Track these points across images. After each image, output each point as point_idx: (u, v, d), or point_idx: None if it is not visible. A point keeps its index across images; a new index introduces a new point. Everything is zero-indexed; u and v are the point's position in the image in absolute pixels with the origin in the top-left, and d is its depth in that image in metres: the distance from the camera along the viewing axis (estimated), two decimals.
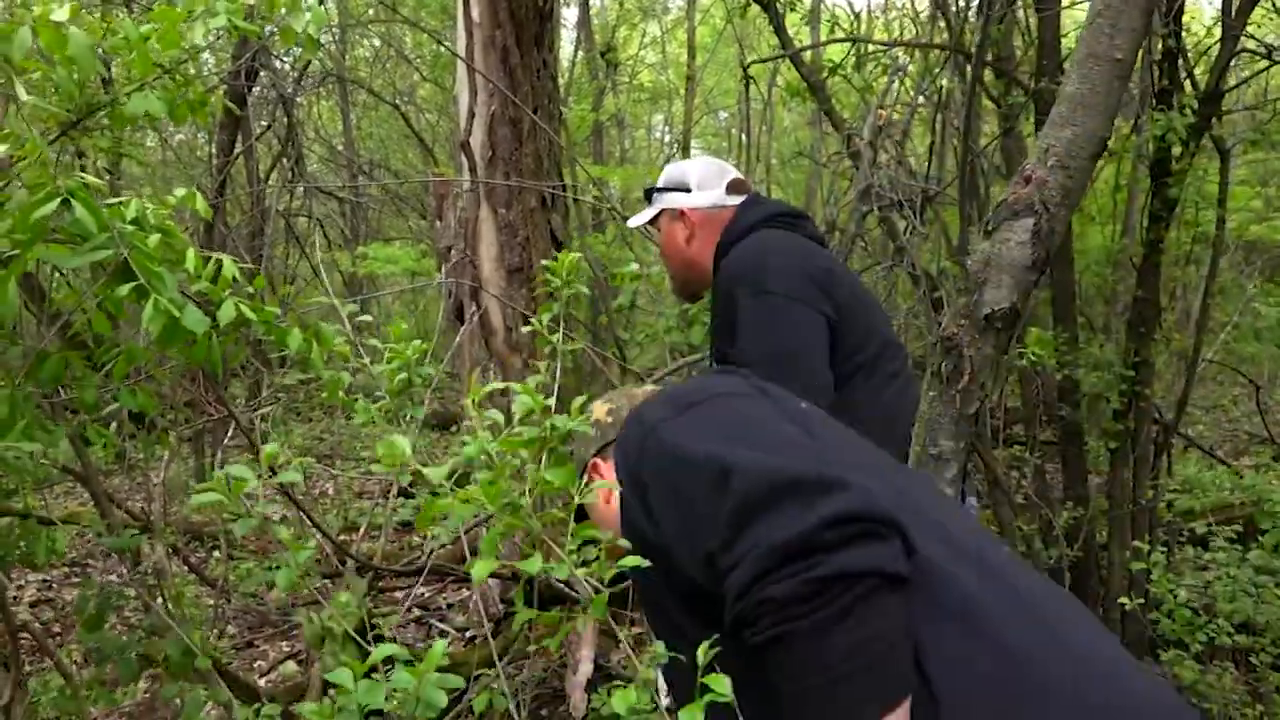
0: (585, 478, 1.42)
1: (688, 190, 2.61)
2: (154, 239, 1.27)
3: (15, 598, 5.77)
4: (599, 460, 1.50)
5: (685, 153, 10.02)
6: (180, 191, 1.45)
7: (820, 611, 0.99)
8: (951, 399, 1.47)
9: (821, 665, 0.99)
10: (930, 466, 1.54)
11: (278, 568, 4.54)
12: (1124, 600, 2.76)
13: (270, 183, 8.18)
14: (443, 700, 1.08)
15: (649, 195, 2.71)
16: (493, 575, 4.05)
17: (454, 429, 8.57)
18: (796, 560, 1.00)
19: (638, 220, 2.71)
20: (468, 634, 4.73)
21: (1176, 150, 3.28)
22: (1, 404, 1.10)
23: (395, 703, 1.09)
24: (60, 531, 1.35)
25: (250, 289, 1.59)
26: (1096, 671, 1.10)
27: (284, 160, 7.83)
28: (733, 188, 2.59)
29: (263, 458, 1.14)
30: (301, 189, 7.34)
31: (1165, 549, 3.87)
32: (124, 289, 1.20)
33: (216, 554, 6.11)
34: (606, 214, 8.21)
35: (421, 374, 1.70)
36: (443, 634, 4.76)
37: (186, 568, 4.93)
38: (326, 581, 3.51)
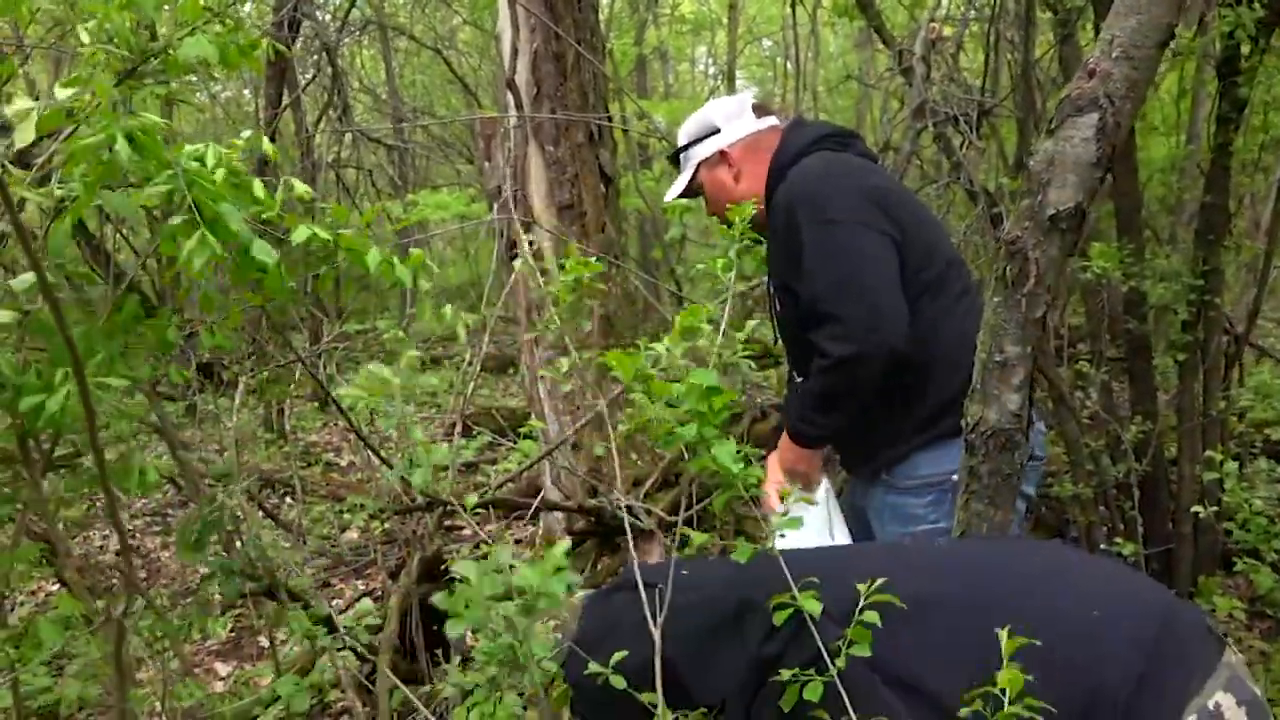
0: None
1: (717, 131, 2.49)
2: (220, 174, 1.29)
3: (100, 547, 6.01)
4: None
5: (730, 84, 9.86)
6: (247, 133, 1.47)
7: None
8: (1017, 303, 1.45)
9: None
10: (996, 374, 1.52)
11: (349, 511, 4.65)
12: (1197, 509, 2.73)
13: (318, 133, 8.24)
14: (562, 591, 1.13)
15: (677, 159, 2.58)
16: (554, 508, 4.12)
17: (512, 371, 8.66)
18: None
19: (677, 189, 2.56)
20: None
21: (1245, 48, 3.15)
22: (83, 339, 1.14)
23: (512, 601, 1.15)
24: (151, 465, 1.40)
25: (329, 218, 1.62)
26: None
27: (330, 110, 7.87)
28: (759, 111, 2.50)
29: (405, 360, 1.16)
30: (349, 138, 7.38)
31: (1237, 461, 3.81)
32: (175, 220, 1.23)
33: (289, 500, 6.29)
34: (655, 147, 8.14)
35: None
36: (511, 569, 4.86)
37: (262, 512, 5.08)
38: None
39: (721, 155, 2.45)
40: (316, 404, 8.56)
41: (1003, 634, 1.18)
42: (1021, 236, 1.42)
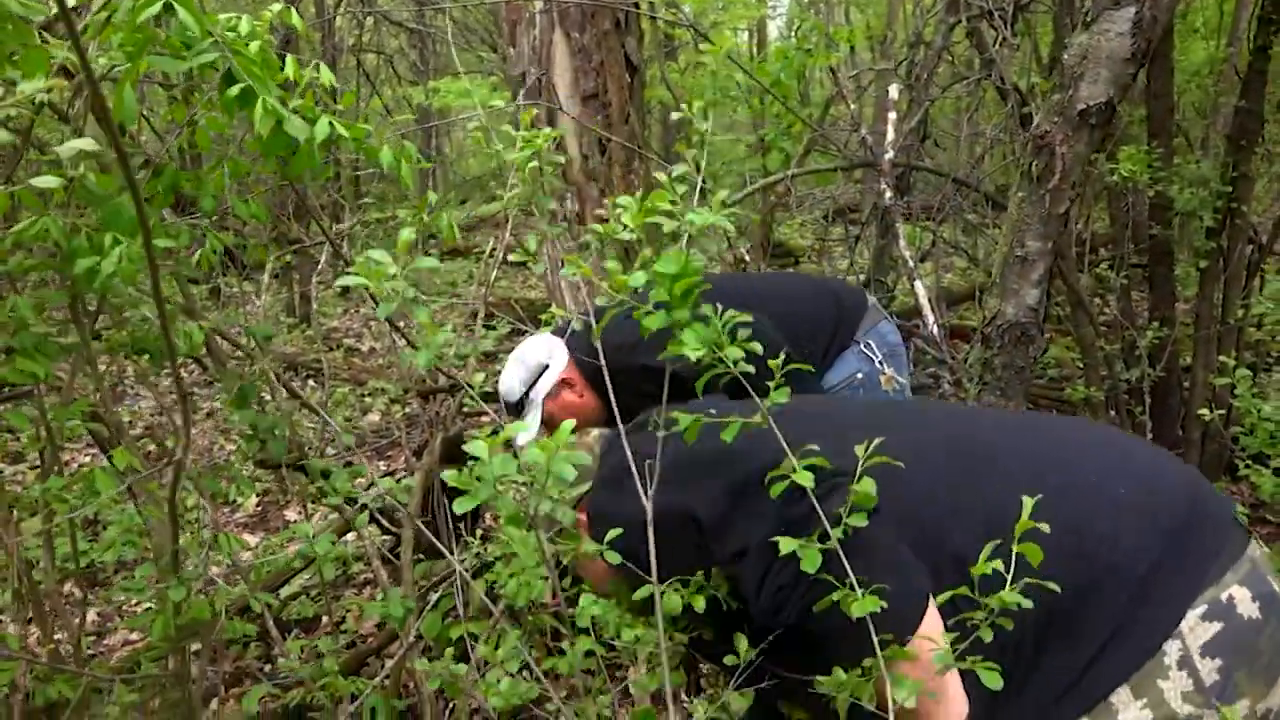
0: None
1: (546, 367, 2.59)
2: (254, 45, 1.31)
3: (130, 422, 6.17)
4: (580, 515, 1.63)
5: None
6: (277, 6, 1.47)
7: None
8: (1041, 199, 1.47)
9: None
10: (1016, 269, 1.55)
11: (370, 395, 4.76)
12: (1203, 411, 2.77)
13: (339, 16, 8.09)
14: (571, 474, 1.17)
15: (519, 410, 2.61)
16: None
17: (526, 265, 8.67)
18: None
19: (531, 431, 2.55)
20: None
21: None
22: (128, 207, 1.17)
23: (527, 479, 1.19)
24: (196, 327, 1.45)
25: (339, 106, 1.63)
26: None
27: None
28: (558, 334, 2.60)
29: (400, 244, 1.19)
30: (371, 22, 7.25)
31: (1251, 371, 3.83)
32: (232, 90, 1.25)
33: (312, 383, 6.41)
34: (681, 36, 7.97)
35: (554, 161, 1.72)
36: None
37: (286, 393, 5.19)
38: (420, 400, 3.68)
39: (562, 382, 2.55)
40: (339, 290, 8.63)
41: (1028, 503, 1.17)
42: (1050, 131, 1.43)
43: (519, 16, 4.89)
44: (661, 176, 1.35)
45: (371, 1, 7.66)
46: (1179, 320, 3.75)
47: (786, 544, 1.19)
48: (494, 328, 6.53)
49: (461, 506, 1.44)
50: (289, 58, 1.38)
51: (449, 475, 1.25)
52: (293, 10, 1.51)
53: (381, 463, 5.24)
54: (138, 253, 1.17)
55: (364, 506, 2.49)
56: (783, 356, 1.23)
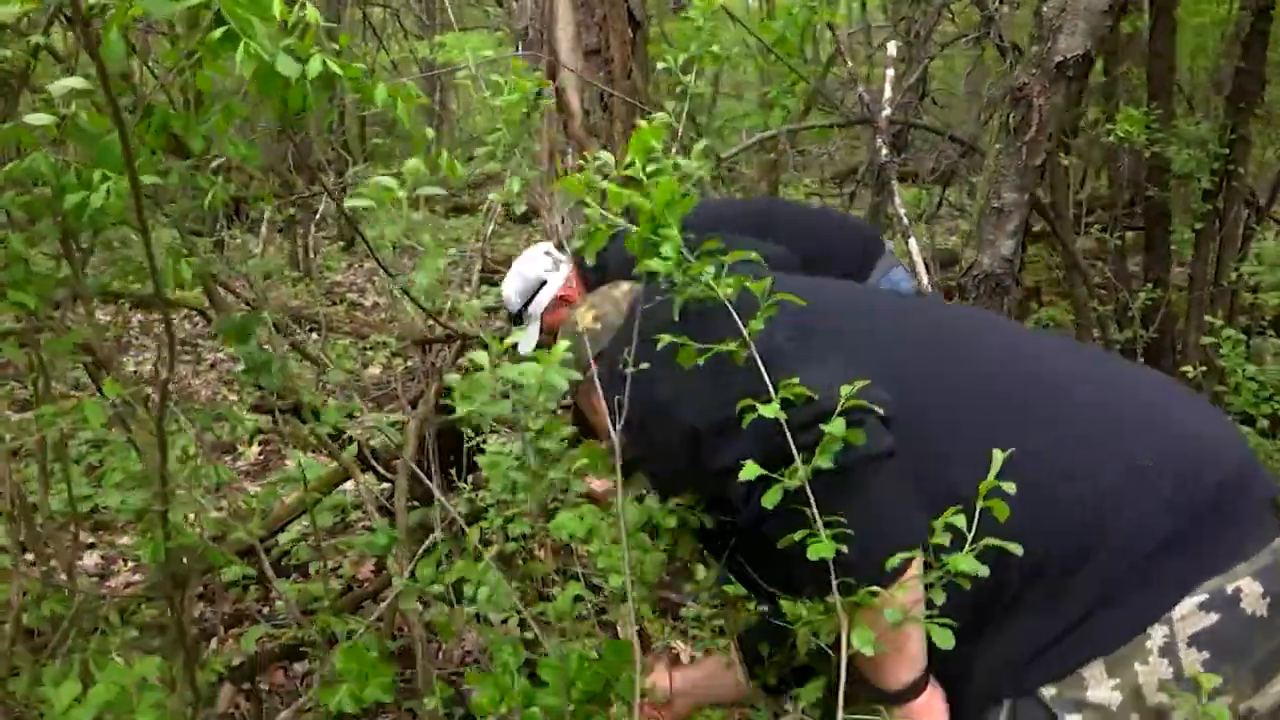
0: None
1: (544, 283, 2.63)
2: None
3: (135, 372, 6.23)
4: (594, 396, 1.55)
5: None
6: None
7: None
8: (1017, 150, 1.49)
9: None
10: (992, 220, 1.57)
11: (372, 348, 4.80)
12: (1187, 369, 2.80)
13: None
14: (564, 384, 1.21)
15: (519, 319, 2.66)
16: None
17: (533, 221, 8.68)
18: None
19: (530, 341, 2.57)
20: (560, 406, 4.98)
21: None
22: (116, 145, 1.20)
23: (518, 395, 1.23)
24: (185, 263, 1.49)
25: (336, 46, 1.65)
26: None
27: None
28: (559, 250, 2.63)
29: (407, 169, 1.22)
30: None
31: (1246, 334, 3.85)
32: (216, 33, 1.28)
33: (315, 335, 6.46)
34: None
35: (543, 102, 1.74)
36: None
37: (288, 345, 5.23)
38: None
39: (560, 299, 2.57)
40: (342, 244, 8.65)
41: (997, 457, 1.11)
42: (1028, 84, 1.45)
43: None
44: (642, 123, 1.37)
45: None
46: (1174, 283, 3.77)
47: (749, 470, 1.15)
48: (495, 283, 6.57)
49: (463, 407, 1.48)
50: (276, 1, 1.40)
51: (451, 379, 1.29)
52: None
53: (381, 415, 5.29)
54: (126, 188, 1.20)
55: (352, 440, 2.54)
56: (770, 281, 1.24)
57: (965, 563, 1.11)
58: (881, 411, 1.20)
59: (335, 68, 1.56)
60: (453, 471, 3.17)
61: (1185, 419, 1.33)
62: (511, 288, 2.69)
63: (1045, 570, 1.23)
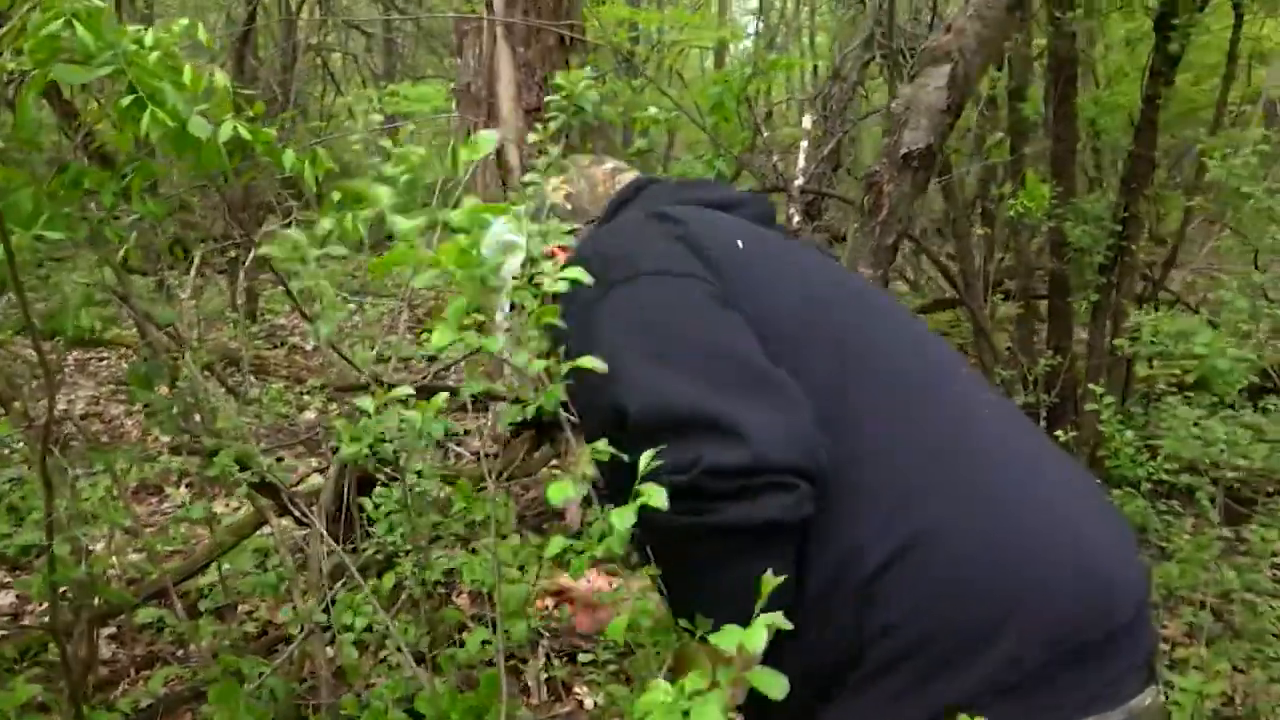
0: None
1: (515, 244, 2.47)
2: (153, 57, 1.43)
3: (65, 411, 6.19)
4: (555, 249, 1.36)
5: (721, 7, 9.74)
6: (184, 21, 1.60)
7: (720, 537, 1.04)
8: (871, 230, 1.63)
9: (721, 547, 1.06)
10: None
11: (308, 392, 4.83)
12: (1059, 433, 2.95)
13: (302, 15, 8.17)
14: (440, 432, 1.29)
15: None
16: (497, 398, 4.31)
17: None
18: (686, 499, 1.01)
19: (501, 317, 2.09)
20: (478, 455, 5.04)
21: (1186, 4, 3.27)
22: (26, 200, 1.29)
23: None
24: (86, 312, 1.57)
25: (250, 113, 1.76)
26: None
27: None
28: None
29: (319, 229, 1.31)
30: (333, 23, 7.34)
31: (1145, 400, 4.05)
32: (125, 100, 1.38)
33: (251, 378, 6.47)
34: (643, 54, 8.12)
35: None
36: (458, 457, 5.09)
37: (223, 388, 5.26)
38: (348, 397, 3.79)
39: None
40: (284, 288, 8.67)
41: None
42: (879, 171, 1.59)
43: (469, 26, 5.03)
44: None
45: (333, 4, 7.76)
46: (1075, 350, 3.96)
47: (599, 450, 1.10)
48: (425, 331, 6.64)
49: (347, 452, 1.55)
50: (187, 67, 1.51)
51: (337, 422, 1.37)
52: (199, 25, 1.64)
53: (314, 460, 5.32)
54: (27, 242, 1.29)
55: (266, 486, 2.59)
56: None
57: (764, 680, 0.97)
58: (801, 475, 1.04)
59: (245, 132, 1.67)
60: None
61: (1098, 535, 1.15)
62: (486, 247, 2.62)
63: (920, 652, 1.07)
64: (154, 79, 1.43)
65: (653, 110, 5.27)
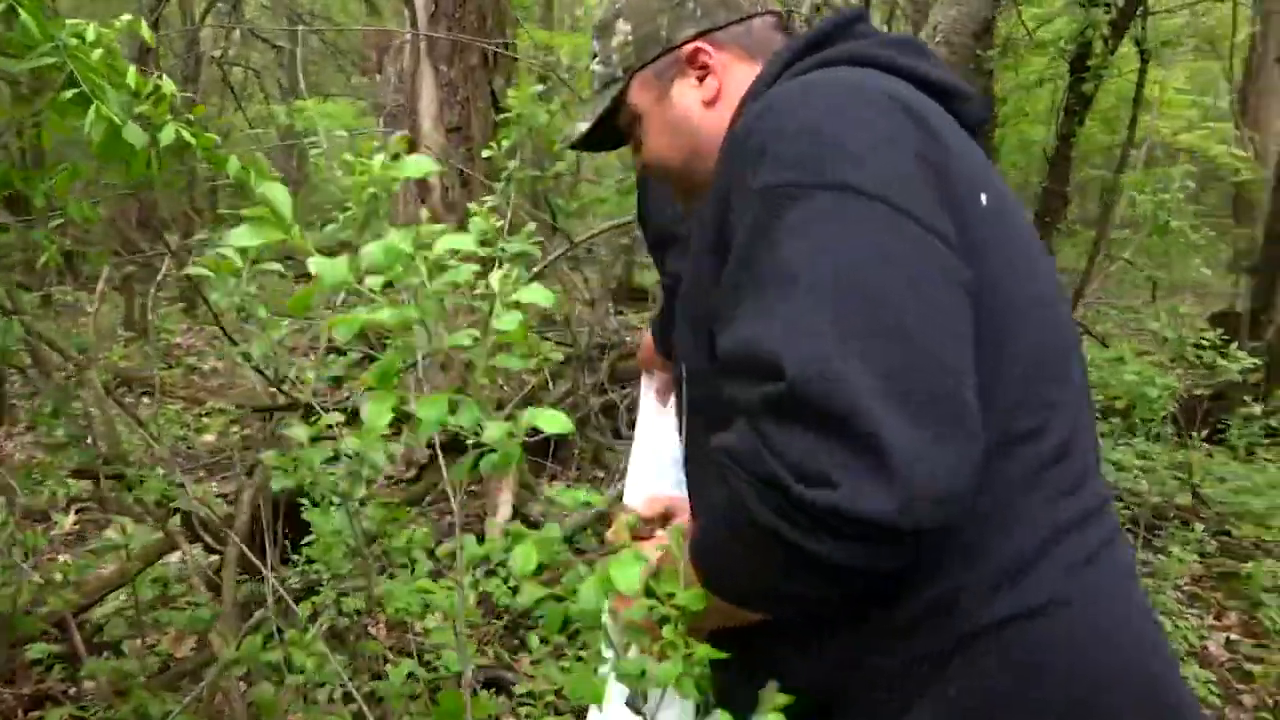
0: None
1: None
2: (97, 53, 1.34)
3: None
4: None
5: None
6: (126, 17, 1.51)
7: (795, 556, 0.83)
8: None
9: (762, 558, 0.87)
10: None
11: (208, 414, 4.64)
12: None
13: (205, 26, 7.91)
14: (383, 460, 1.22)
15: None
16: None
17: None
18: (779, 497, 0.81)
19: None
20: (394, 480, 4.91)
21: (1097, 47, 3.41)
22: None
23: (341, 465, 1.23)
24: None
25: (189, 116, 1.66)
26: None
27: (220, 2, 7.57)
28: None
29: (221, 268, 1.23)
30: (239, 34, 7.13)
31: None
32: (67, 94, 1.28)
33: (146, 399, 6.18)
34: (553, 81, 8.10)
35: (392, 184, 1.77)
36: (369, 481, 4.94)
37: (118, 408, 4.99)
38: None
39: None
40: (183, 306, 8.34)
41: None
42: None
43: (387, 44, 4.95)
44: (474, 208, 1.43)
45: (240, 14, 7.54)
46: None
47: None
48: (343, 353, 6.47)
49: (279, 483, 1.47)
50: (130, 68, 1.42)
51: (267, 455, 1.29)
52: (142, 21, 1.54)
53: (214, 484, 5.09)
54: None
55: (177, 511, 2.46)
56: None
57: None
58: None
59: (188, 136, 1.57)
60: (288, 543, 3.09)
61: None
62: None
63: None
64: (96, 76, 1.34)
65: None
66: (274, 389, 3.60)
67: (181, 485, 4.83)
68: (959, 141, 0.96)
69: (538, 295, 0.91)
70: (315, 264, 0.62)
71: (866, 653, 0.95)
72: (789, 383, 0.81)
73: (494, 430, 0.87)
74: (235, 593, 2.86)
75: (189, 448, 5.44)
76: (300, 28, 7.77)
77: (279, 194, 0.65)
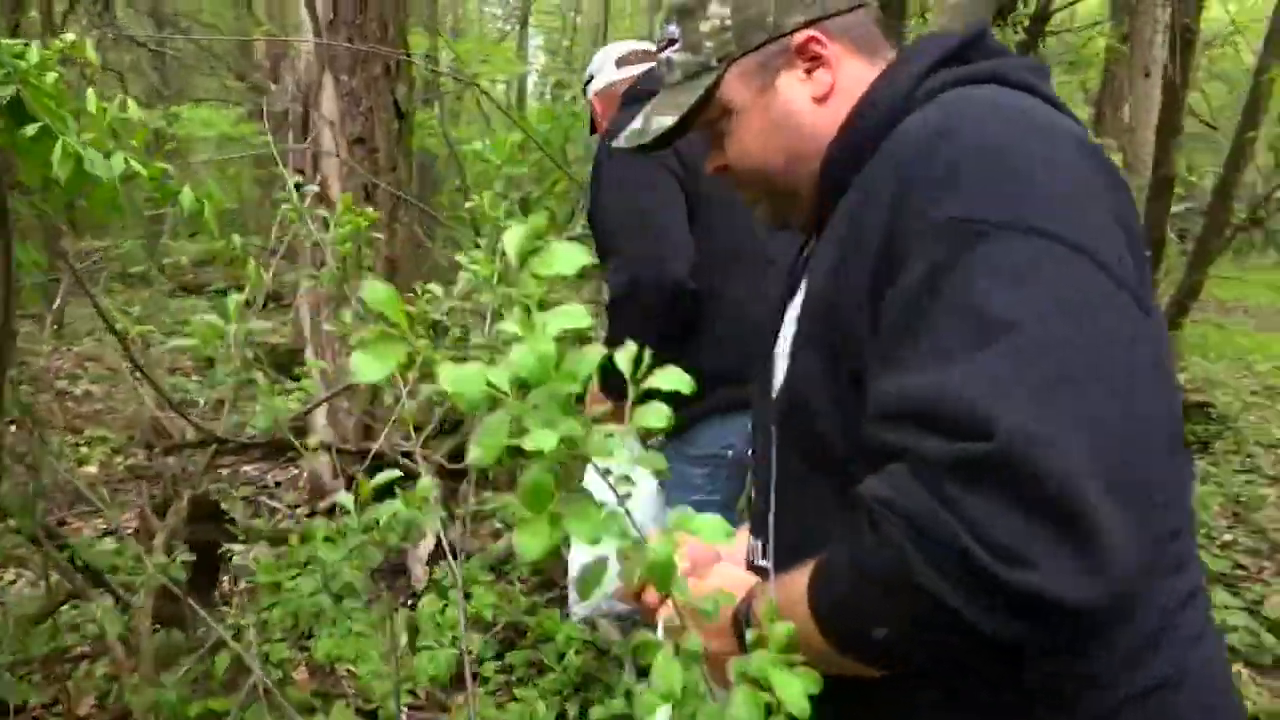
0: None
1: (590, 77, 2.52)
2: (51, 76, 1.20)
3: None
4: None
5: (523, 26, 9.73)
6: (70, 36, 1.35)
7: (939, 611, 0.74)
8: None
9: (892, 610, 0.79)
10: None
11: (88, 444, 4.34)
12: None
13: (68, 27, 7.43)
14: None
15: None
16: (337, 451, 4.02)
17: (273, 305, 8.24)
18: (946, 552, 0.73)
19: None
20: (297, 511, 4.69)
21: None
22: None
23: None
24: None
25: (134, 142, 1.52)
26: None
27: (85, 3, 7.12)
28: None
29: (233, 306, 1.12)
30: (106, 36, 6.72)
31: None
32: (30, 129, 1.14)
33: (13, 428, 5.72)
34: (446, 85, 7.94)
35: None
36: (272, 511, 4.70)
37: None
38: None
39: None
40: (56, 326, 7.79)
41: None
42: None
43: (283, 51, 4.72)
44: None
45: (111, 14, 7.11)
46: None
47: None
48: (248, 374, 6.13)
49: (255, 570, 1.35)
50: (90, 91, 1.27)
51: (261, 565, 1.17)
52: (88, 42, 1.39)
53: (99, 521, 4.74)
54: None
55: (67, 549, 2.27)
56: None
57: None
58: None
59: (139, 168, 1.43)
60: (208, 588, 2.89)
61: None
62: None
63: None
64: (51, 102, 1.19)
65: (476, 144, 5.12)
66: (173, 415, 3.37)
67: (63, 522, 4.49)
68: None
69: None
70: (448, 377, 0.53)
71: None
72: (999, 447, 0.71)
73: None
74: (152, 644, 2.65)
75: (68, 481, 5.06)
76: (171, 34, 7.38)
77: (387, 298, 0.56)
